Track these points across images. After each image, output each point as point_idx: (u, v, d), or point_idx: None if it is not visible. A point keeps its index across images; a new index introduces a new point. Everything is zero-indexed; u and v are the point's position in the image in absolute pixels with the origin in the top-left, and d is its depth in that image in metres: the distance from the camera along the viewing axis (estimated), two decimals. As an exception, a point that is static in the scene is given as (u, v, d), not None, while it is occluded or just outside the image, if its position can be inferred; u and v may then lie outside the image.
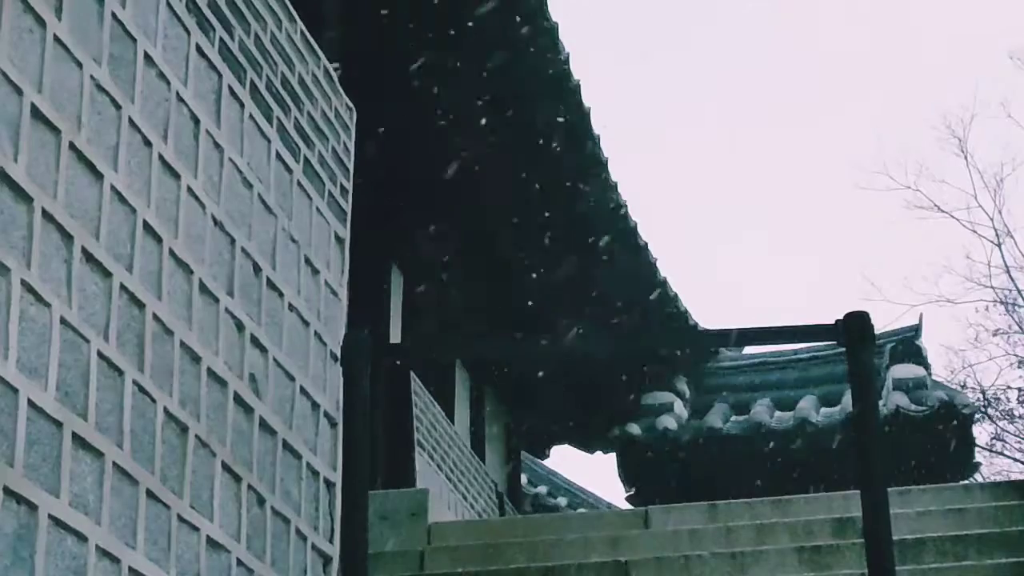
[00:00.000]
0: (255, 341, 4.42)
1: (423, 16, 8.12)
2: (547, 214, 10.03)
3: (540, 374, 12.07)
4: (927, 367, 13.74)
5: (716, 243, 43.38)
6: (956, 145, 24.30)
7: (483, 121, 8.92)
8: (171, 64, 4.01)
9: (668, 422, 13.27)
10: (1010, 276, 22.67)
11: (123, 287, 3.62)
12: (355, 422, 4.52)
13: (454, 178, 9.37)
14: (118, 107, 3.68)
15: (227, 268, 4.29)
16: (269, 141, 4.72)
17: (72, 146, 3.44)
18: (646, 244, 11.27)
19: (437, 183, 9.44)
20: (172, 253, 3.91)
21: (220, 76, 4.35)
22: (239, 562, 4.14)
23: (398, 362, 9.39)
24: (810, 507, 6.89)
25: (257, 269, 4.51)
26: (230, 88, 4.41)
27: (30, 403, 3.15)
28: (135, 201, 3.72)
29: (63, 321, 3.32)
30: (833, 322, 4.48)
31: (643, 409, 13.48)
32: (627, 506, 13.25)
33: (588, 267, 10.78)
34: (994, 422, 21.49)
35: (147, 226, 3.77)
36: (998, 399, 21.60)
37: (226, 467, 4.11)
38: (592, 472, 31.07)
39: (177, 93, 4.03)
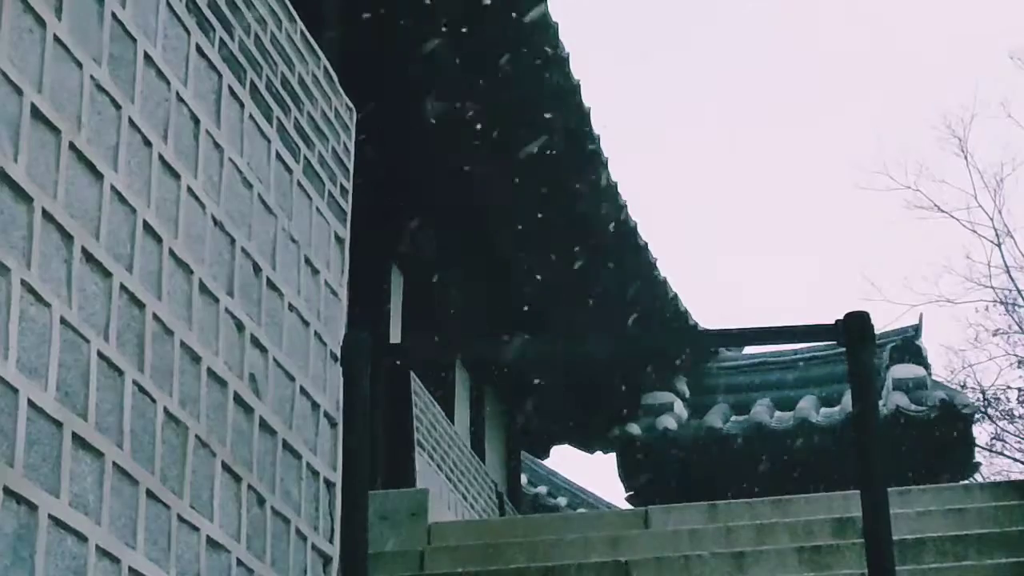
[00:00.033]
0: (255, 341, 4.42)
1: (423, 16, 8.11)
2: (547, 214, 10.03)
3: (540, 374, 12.07)
4: (927, 367, 13.75)
5: (716, 243, 43.38)
6: (956, 145, 24.30)
7: (483, 121, 8.92)
8: (171, 64, 4.01)
9: (668, 422, 13.27)
10: (1010, 276, 22.68)
11: (123, 287, 3.62)
12: (355, 422, 4.52)
13: (454, 178, 9.37)
14: (118, 107, 3.68)
15: (227, 268, 4.29)
16: (269, 141, 4.72)
17: (72, 146, 3.44)
18: (646, 244, 11.27)
19: (437, 183, 9.44)
20: (172, 253, 3.91)
21: (220, 76, 4.35)
22: (239, 562, 4.14)
23: (398, 362, 9.39)
24: (810, 507, 6.89)
25: (257, 269, 4.51)
26: (230, 88, 4.41)
27: (30, 403, 3.15)
28: (135, 201, 3.72)
29: (63, 321, 3.32)
30: (833, 322, 4.48)
31: (643, 409, 13.49)
32: (627, 506, 13.25)
33: (588, 267, 10.78)
34: (994, 422, 21.49)
35: (147, 226, 3.77)
36: (998, 399, 21.60)
37: (226, 467, 4.11)
38: (592, 472, 31.08)
39: (177, 93, 4.03)
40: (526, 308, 11.04)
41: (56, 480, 3.23)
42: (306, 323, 4.89)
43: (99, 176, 3.55)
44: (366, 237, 6.66)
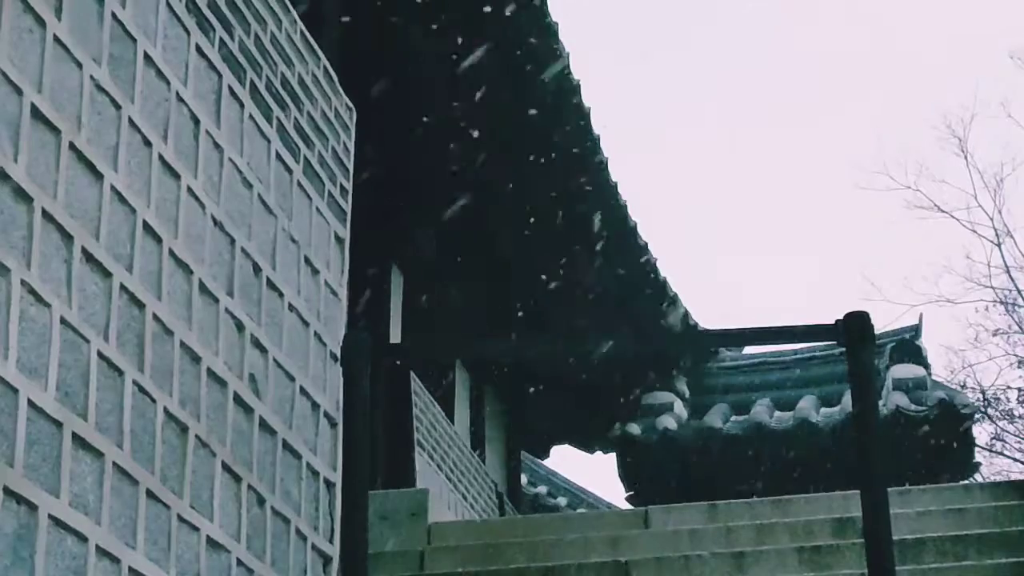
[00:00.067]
0: (255, 341, 4.42)
1: (422, 16, 8.12)
2: (547, 214, 10.03)
3: (540, 374, 12.07)
4: (927, 367, 13.75)
5: (716, 243, 43.38)
6: (956, 145, 24.32)
7: (483, 121, 8.92)
8: (171, 64, 4.01)
9: (668, 422, 13.26)
10: (1010, 276, 22.69)
11: (123, 287, 3.62)
12: (355, 422, 4.52)
13: (454, 178, 9.38)
14: (118, 107, 3.68)
15: (227, 268, 4.29)
16: (269, 141, 4.72)
17: (72, 146, 3.44)
18: (646, 244, 11.27)
19: (437, 183, 9.44)
20: (172, 253, 3.91)
21: (220, 76, 4.35)
22: (239, 562, 4.14)
23: (398, 362, 9.40)
24: (810, 507, 6.89)
25: (257, 269, 4.51)
26: (230, 88, 4.41)
27: (30, 403, 3.15)
28: (135, 201, 3.72)
29: (63, 321, 3.32)
30: (833, 322, 4.48)
31: (643, 409, 13.48)
32: (627, 506, 13.25)
33: (588, 267, 10.79)
34: (994, 422, 21.50)
35: (147, 226, 3.77)
36: (998, 399, 21.61)
37: (226, 467, 4.11)
38: (592, 472, 31.10)
39: (177, 93, 4.03)
40: (526, 308, 11.04)
41: (56, 480, 3.23)
42: (306, 323, 4.89)
43: (99, 176, 3.55)
44: (366, 237, 6.66)
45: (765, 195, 45.14)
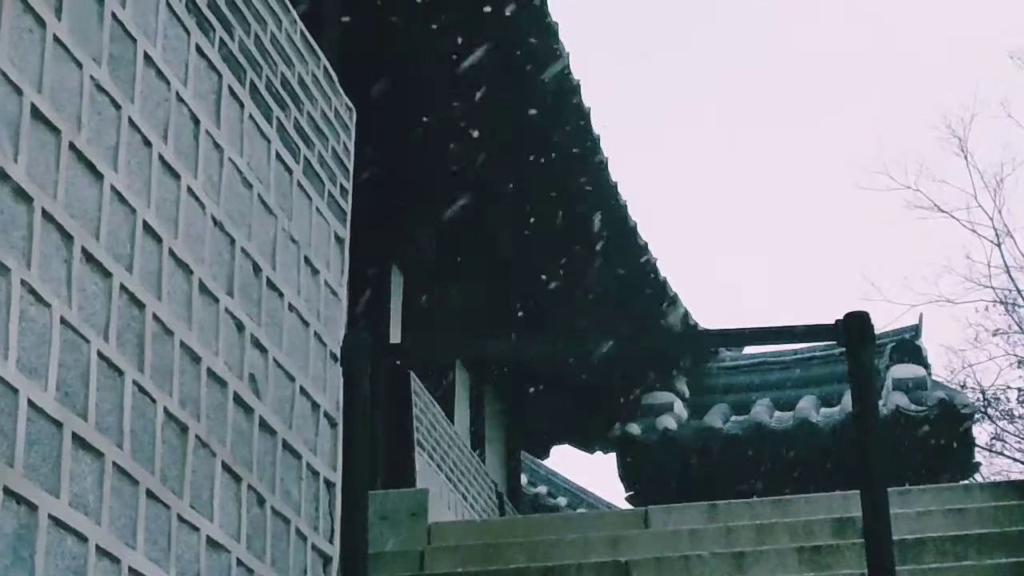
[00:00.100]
0: (255, 341, 4.42)
1: (422, 16, 8.12)
2: (547, 214, 10.03)
3: (540, 374, 12.07)
4: (927, 367, 13.75)
5: (716, 243, 43.39)
6: (956, 145, 24.32)
7: (482, 121, 8.92)
8: (171, 64, 4.01)
9: (668, 422, 13.27)
10: (1010, 276, 22.69)
11: (123, 287, 3.62)
12: (355, 422, 4.52)
13: (454, 178, 9.38)
14: (118, 107, 3.68)
15: (227, 268, 4.29)
16: (269, 141, 4.72)
17: (72, 146, 3.44)
18: (646, 244, 11.27)
19: (437, 183, 9.44)
20: (172, 253, 3.91)
21: (220, 76, 4.35)
22: (239, 562, 4.14)
23: (398, 362, 9.40)
24: (810, 507, 6.89)
25: (257, 269, 4.51)
26: (230, 88, 4.41)
27: (30, 403, 3.15)
28: (135, 201, 3.72)
29: (63, 321, 3.32)
30: (833, 322, 4.48)
31: (643, 409, 13.48)
32: (627, 506, 13.25)
33: (588, 267, 10.79)
34: (994, 422, 21.50)
35: (147, 226, 3.77)
36: (998, 399, 21.61)
37: (226, 467, 4.11)
38: (592, 472, 31.10)
39: (177, 93, 4.03)
40: (526, 308, 11.04)
41: (56, 480, 3.23)
42: (306, 323, 4.89)
43: (99, 176, 3.55)
44: (366, 237, 6.66)
45: (765, 195, 45.15)
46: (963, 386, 20.36)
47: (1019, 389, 21.55)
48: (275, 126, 4.77)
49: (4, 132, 3.17)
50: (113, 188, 3.61)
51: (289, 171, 4.88)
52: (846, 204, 43.73)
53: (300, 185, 4.97)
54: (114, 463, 3.47)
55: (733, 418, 13.62)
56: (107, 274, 3.55)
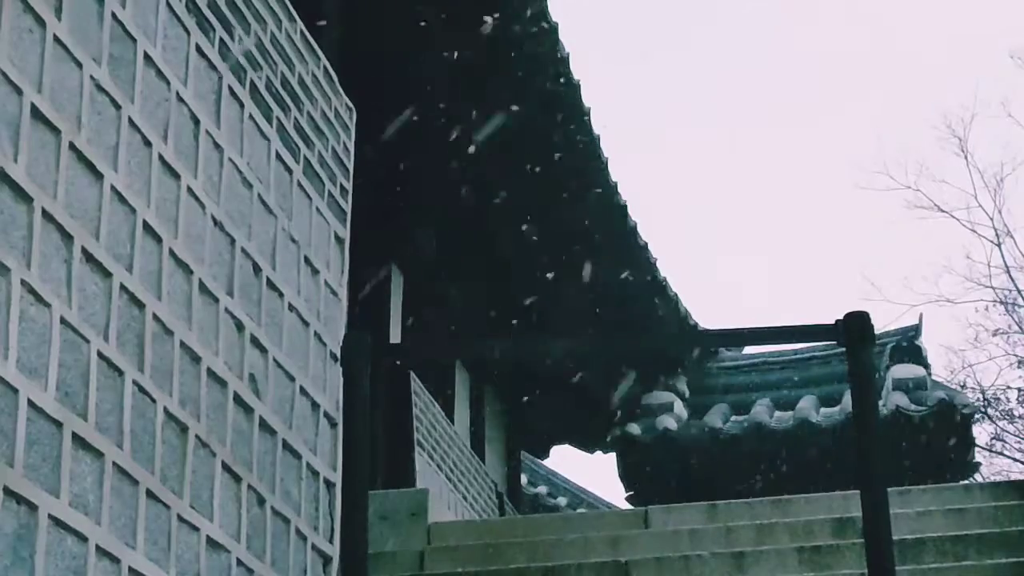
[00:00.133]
0: (255, 341, 4.42)
1: (422, 16, 8.12)
2: (547, 214, 10.03)
3: (540, 374, 12.07)
4: (927, 367, 13.75)
5: (716, 243, 43.38)
6: (956, 145, 24.31)
7: (482, 121, 8.92)
8: (171, 64, 4.01)
9: (668, 422, 13.27)
10: (1010, 276, 22.68)
11: (123, 287, 3.62)
12: (355, 422, 4.52)
13: (454, 178, 9.37)
14: (118, 107, 3.68)
15: (227, 268, 4.29)
16: (269, 141, 4.72)
17: (72, 146, 3.44)
18: (646, 244, 11.27)
19: (437, 183, 9.44)
20: (172, 253, 3.91)
21: (220, 76, 4.35)
22: (239, 562, 4.14)
23: (398, 362, 9.39)
24: (810, 507, 6.89)
25: (257, 269, 4.51)
26: (230, 88, 4.41)
27: (30, 403, 3.15)
28: (135, 201, 3.72)
29: (63, 321, 3.32)
30: (833, 322, 4.48)
31: (643, 409, 13.48)
32: (627, 506, 13.25)
33: (588, 267, 10.78)
34: (994, 422, 21.50)
35: (147, 226, 3.77)
36: (998, 399, 21.61)
37: (226, 467, 4.11)
38: (592, 472, 31.10)
39: (177, 93, 4.03)
40: (526, 308, 11.04)
41: (56, 480, 3.23)
42: (306, 323, 4.89)
43: (99, 176, 3.55)
44: (366, 237, 6.66)
45: (765, 195, 45.14)
46: (963, 386, 20.36)
47: (1019, 389, 21.56)
48: (275, 126, 4.77)
49: (4, 132, 3.17)
50: (113, 188, 3.61)
51: (289, 171, 4.88)
52: (846, 204, 43.72)
53: (300, 185, 4.97)
54: (114, 463, 3.47)
55: (733, 418, 13.62)
56: (107, 274, 3.55)
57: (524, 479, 14.40)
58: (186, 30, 4.13)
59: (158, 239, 3.84)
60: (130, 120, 3.73)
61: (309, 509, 4.76)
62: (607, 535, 6.76)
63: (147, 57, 3.86)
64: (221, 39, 4.38)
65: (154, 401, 3.72)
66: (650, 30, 45.30)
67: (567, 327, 11.15)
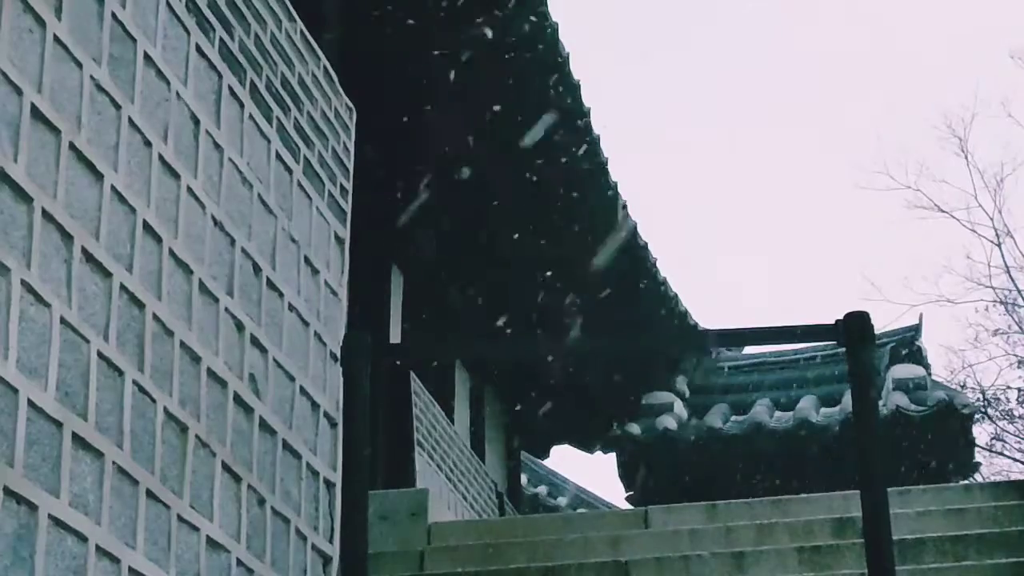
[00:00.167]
0: (255, 341, 4.42)
1: (423, 16, 8.12)
2: (547, 214, 10.03)
3: (540, 374, 12.07)
4: (927, 367, 13.77)
5: (716, 243, 43.39)
6: (956, 145, 24.32)
7: (482, 121, 8.92)
8: (171, 64, 4.01)
9: (668, 422, 13.28)
10: (1010, 276, 22.69)
11: (123, 287, 3.62)
12: (355, 422, 4.52)
13: (454, 178, 9.38)
14: (118, 107, 3.68)
15: (227, 268, 4.29)
16: (269, 141, 4.72)
17: (72, 146, 3.44)
18: (646, 244, 11.27)
19: (437, 183, 9.44)
20: (172, 253, 3.91)
21: (220, 76, 4.35)
22: (239, 562, 4.14)
23: (398, 362, 9.39)
24: (810, 507, 6.89)
25: (257, 269, 4.51)
26: (230, 88, 4.41)
27: (30, 403, 3.15)
28: (135, 201, 3.72)
29: (63, 321, 3.32)
30: (833, 322, 4.48)
31: (643, 409, 13.50)
32: (627, 506, 13.26)
33: (588, 267, 10.78)
34: (994, 422, 21.50)
35: (147, 226, 3.77)
36: (998, 399, 21.62)
37: (226, 467, 4.11)
38: (592, 472, 31.11)
39: (177, 93, 4.03)
40: (526, 309, 11.04)
41: (56, 480, 3.23)
42: (306, 323, 4.89)
43: (99, 176, 3.55)
44: (366, 237, 6.66)
45: (765, 195, 45.16)
46: (963, 386, 20.36)
47: (1019, 389, 21.57)
48: (275, 126, 4.77)
49: (4, 132, 3.17)
50: (113, 188, 3.61)
51: (289, 171, 4.88)
52: (846, 204, 43.76)
53: (300, 185, 4.97)
54: (114, 463, 3.47)
55: (733, 418, 13.63)
56: (107, 274, 3.55)
57: (524, 479, 14.41)
58: (186, 30, 4.13)
59: (158, 239, 3.84)
60: (130, 120, 3.73)
61: (309, 509, 4.76)
62: (607, 535, 6.76)
63: (147, 57, 3.86)
64: (221, 39, 4.38)
65: (154, 401, 3.72)
66: (650, 30, 45.31)
67: (567, 328, 11.15)
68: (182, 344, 3.91)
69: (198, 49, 4.20)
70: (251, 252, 4.46)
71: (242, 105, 4.51)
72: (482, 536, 7.16)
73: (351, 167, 5.54)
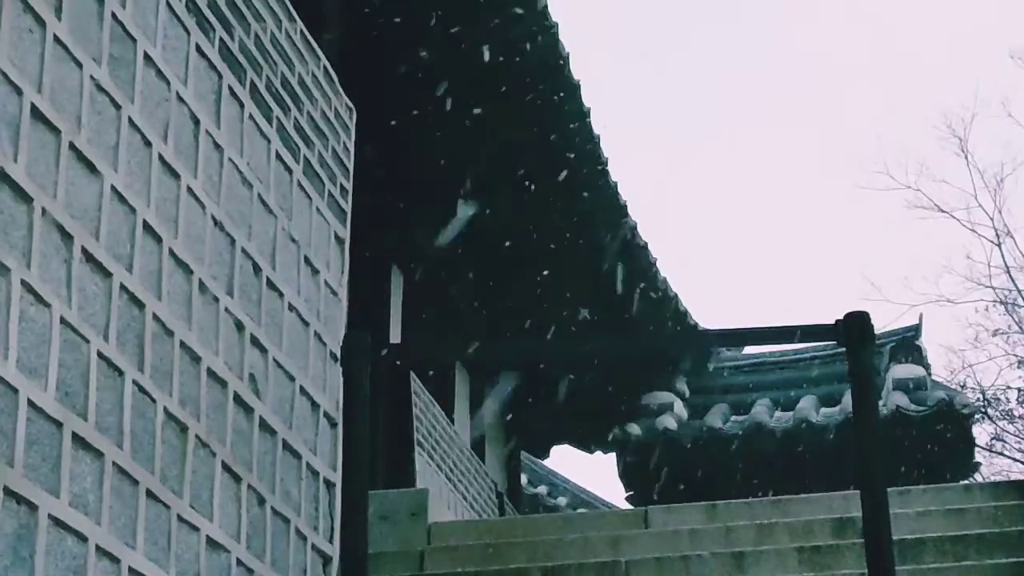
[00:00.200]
0: (255, 341, 4.42)
1: (422, 16, 8.12)
2: (546, 214, 10.03)
3: (540, 375, 12.07)
4: (927, 367, 13.76)
5: (716, 243, 43.38)
6: (956, 145, 24.30)
7: (483, 121, 8.92)
8: (171, 64, 4.01)
9: (668, 422, 13.27)
10: (1010, 276, 22.67)
11: (123, 287, 3.62)
12: (355, 422, 4.52)
13: (454, 178, 9.38)
14: (118, 107, 3.68)
15: (227, 268, 4.29)
16: (269, 141, 4.72)
17: (72, 146, 3.44)
18: (646, 244, 11.27)
19: (437, 183, 9.44)
20: (172, 253, 3.91)
21: (220, 76, 4.35)
22: (239, 562, 4.14)
23: (398, 362, 9.39)
24: (810, 507, 6.89)
25: (257, 269, 4.51)
26: (230, 88, 4.41)
27: (30, 403, 3.15)
28: (135, 201, 3.72)
29: (63, 321, 3.32)
30: (833, 322, 4.48)
31: (643, 409, 13.49)
32: (627, 506, 13.26)
33: (588, 267, 10.78)
34: (994, 422, 21.49)
35: (147, 226, 3.77)
36: (998, 399, 21.60)
37: (226, 467, 4.11)
38: (592, 472, 31.11)
39: (177, 93, 4.03)
40: (526, 309, 11.04)
41: (56, 480, 3.23)
42: (306, 323, 4.89)
43: (99, 176, 3.55)
44: (366, 237, 6.66)
45: (765, 195, 45.14)
46: (963, 386, 20.35)
47: (1019, 389, 21.55)
48: (275, 126, 4.77)
49: (4, 132, 3.17)
50: (113, 188, 3.61)
51: (289, 171, 4.88)
52: (846, 204, 43.74)
53: (300, 185, 4.97)
54: (114, 463, 3.47)
55: (733, 418, 13.63)
56: (107, 274, 3.55)
57: (524, 479, 14.40)
58: (186, 30, 4.13)
59: (158, 239, 3.84)
60: (130, 120, 3.73)
61: (309, 509, 4.76)
62: (607, 535, 6.76)
63: (147, 57, 3.86)
64: (221, 39, 4.38)
65: (154, 401, 3.72)
66: (650, 30, 45.30)
67: (566, 328, 11.15)
68: (182, 344, 3.91)
69: (198, 49, 4.20)
70: (251, 252, 4.46)
71: (242, 105, 4.51)
72: (482, 536, 7.16)
73: (351, 167, 5.54)
